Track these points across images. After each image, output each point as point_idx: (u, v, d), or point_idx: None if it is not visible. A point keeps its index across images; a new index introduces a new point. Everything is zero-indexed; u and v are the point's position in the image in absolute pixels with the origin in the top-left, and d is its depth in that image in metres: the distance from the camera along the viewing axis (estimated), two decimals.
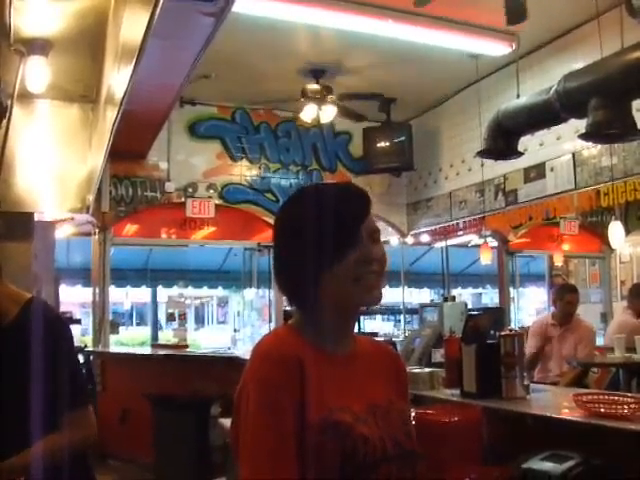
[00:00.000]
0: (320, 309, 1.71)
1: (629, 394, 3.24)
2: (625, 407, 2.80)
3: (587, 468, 2.59)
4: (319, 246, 1.66)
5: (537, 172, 8.07)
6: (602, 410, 2.83)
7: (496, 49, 7.74)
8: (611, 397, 2.97)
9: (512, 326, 6.89)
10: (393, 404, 1.78)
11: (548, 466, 2.57)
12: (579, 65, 6.01)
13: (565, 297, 7.12)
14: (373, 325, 16.76)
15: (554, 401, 3.57)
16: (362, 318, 15.07)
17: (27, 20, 4.11)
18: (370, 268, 1.69)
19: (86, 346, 9.38)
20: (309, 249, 1.67)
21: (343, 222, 1.68)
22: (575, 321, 7.08)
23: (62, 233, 8.69)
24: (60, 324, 2.54)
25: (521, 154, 6.79)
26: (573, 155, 7.61)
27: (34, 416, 2.27)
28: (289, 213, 1.78)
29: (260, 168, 9.93)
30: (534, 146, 7.79)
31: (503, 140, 6.65)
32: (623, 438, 2.67)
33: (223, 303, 23.38)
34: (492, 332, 3.63)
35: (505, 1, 5.69)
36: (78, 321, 10.40)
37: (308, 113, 8.72)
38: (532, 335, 7.06)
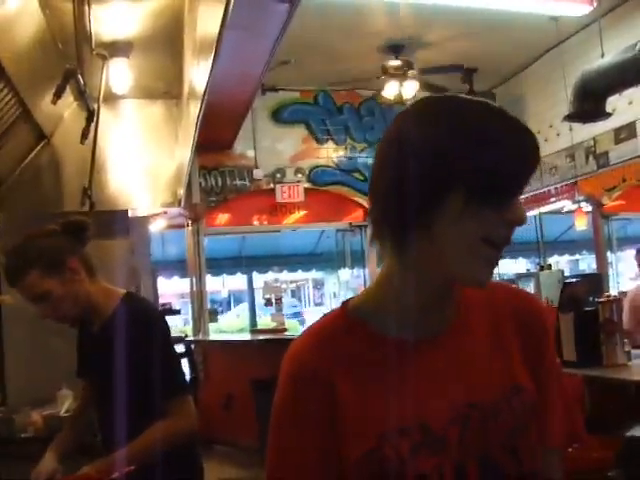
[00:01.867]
0: (419, 264, 1.21)
1: None
2: None
3: None
4: (461, 172, 1.14)
5: (628, 132, 7.86)
6: None
7: (576, 9, 7.56)
8: None
9: (611, 292, 6.68)
10: (515, 390, 1.25)
11: None
12: None
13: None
14: None
15: None
16: None
17: (106, 24, 4.19)
18: (510, 233, 1.19)
19: (187, 335, 9.57)
20: (446, 172, 1.14)
21: (523, 164, 1.19)
22: None
23: (156, 227, 8.87)
24: (155, 316, 2.62)
25: (610, 115, 6.65)
26: None
27: (135, 406, 2.35)
28: (421, 121, 1.21)
29: (346, 149, 9.94)
30: (623, 105, 7.59)
31: (590, 102, 6.52)
32: None
33: (319, 285, 23.49)
34: (590, 299, 3.58)
35: None
36: (178, 311, 10.59)
37: (390, 90, 8.69)
38: (625, 312, 5.98)
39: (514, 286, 1.49)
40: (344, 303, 1.32)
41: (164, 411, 2.41)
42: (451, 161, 1.14)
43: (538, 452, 1.26)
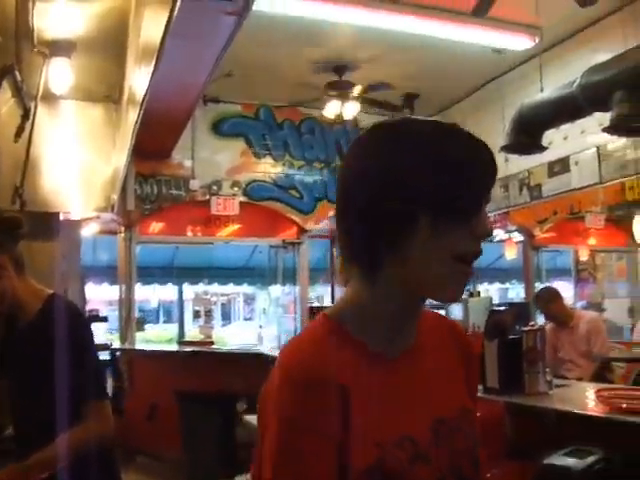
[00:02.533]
0: (387, 289, 1.26)
1: None
2: None
3: (609, 464, 2.59)
4: (425, 198, 1.19)
5: (561, 166, 8.02)
6: (624, 405, 2.83)
7: (519, 43, 7.70)
8: (633, 392, 2.96)
9: (537, 321, 6.81)
10: (465, 411, 1.35)
11: (570, 462, 2.57)
12: (602, 58, 5.96)
13: (543, 309, 6.91)
14: None
15: (576, 396, 3.57)
16: None
17: (50, 22, 4.15)
18: (478, 246, 1.24)
19: (112, 344, 9.45)
20: (410, 199, 1.19)
21: (482, 178, 1.24)
22: (576, 317, 6.78)
23: (89, 232, 8.76)
24: (80, 319, 2.63)
25: (545, 148, 6.76)
26: (597, 149, 7.56)
27: (55, 410, 2.32)
28: (381, 150, 1.25)
29: (284, 165, 9.95)
30: (558, 140, 7.74)
31: (527, 134, 6.62)
32: None
33: (250, 300, 23.41)
34: (517, 327, 3.63)
35: None
36: (105, 319, 10.45)
37: (331, 109, 8.73)
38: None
39: (456, 321, 1.56)
40: (324, 314, 1.32)
41: (81, 414, 2.39)
42: (415, 189, 1.20)
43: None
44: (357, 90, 8.54)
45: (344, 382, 1.19)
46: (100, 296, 14.74)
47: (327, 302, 13.15)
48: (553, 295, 6.94)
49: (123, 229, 9.11)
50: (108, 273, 11.29)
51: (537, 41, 7.52)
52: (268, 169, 9.85)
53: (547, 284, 10.35)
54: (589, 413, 2.92)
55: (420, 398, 1.28)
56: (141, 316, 11.54)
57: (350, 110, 8.75)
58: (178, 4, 2.79)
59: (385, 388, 1.25)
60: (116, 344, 9.30)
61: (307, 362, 1.21)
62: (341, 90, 8.60)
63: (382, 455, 1.18)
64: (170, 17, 2.96)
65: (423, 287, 1.26)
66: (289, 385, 1.19)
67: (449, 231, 1.21)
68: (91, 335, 2.61)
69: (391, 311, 1.27)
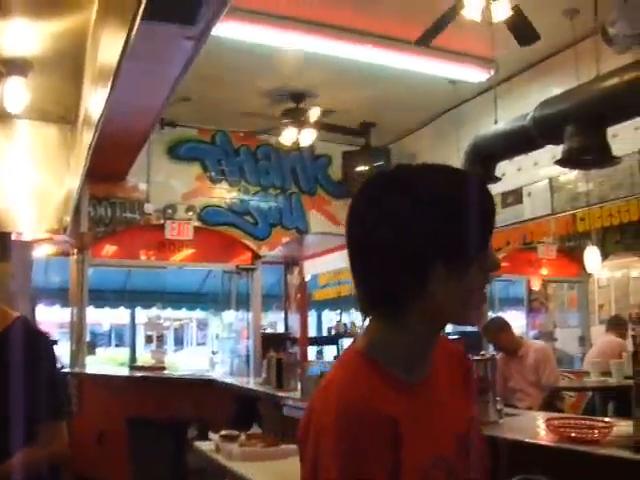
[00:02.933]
0: (412, 323, 1.36)
1: (599, 418, 3.25)
2: (596, 431, 2.82)
3: None
4: (442, 244, 1.31)
5: (514, 197, 8.13)
6: (573, 434, 2.85)
7: (475, 75, 7.82)
8: (582, 422, 2.99)
9: (489, 350, 6.85)
10: (473, 421, 1.49)
11: None
12: (556, 91, 6.09)
13: (492, 339, 6.98)
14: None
15: (526, 425, 3.58)
16: (341, 341, 15.10)
17: (6, 40, 4.11)
18: (488, 279, 1.38)
19: (63, 367, 9.32)
20: (429, 246, 1.31)
21: (482, 218, 1.35)
22: (525, 347, 6.79)
23: (41, 253, 8.67)
24: (44, 340, 2.61)
25: (498, 179, 6.85)
26: (550, 180, 7.68)
27: (13, 429, 2.32)
28: (397, 200, 1.34)
29: (239, 191, 9.94)
30: (511, 171, 7.85)
31: (480, 165, 6.70)
32: (593, 462, 2.69)
33: (202, 325, 23.29)
34: (469, 357, 3.65)
35: (512, 24, 5.71)
36: (55, 342, 10.32)
37: (287, 136, 8.76)
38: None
39: (455, 343, 1.69)
40: (356, 350, 1.43)
41: (41, 435, 2.40)
42: (430, 238, 1.31)
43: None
44: (314, 117, 8.58)
45: (393, 414, 1.29)
46: (51, 318, 14.55)
47: (280, 329, 13.16)
48: (501, 325, 6.98)
49: (76, 251, 9.01)
50: (60, 295, 11.14)
51: (492, 73, 7.64)
52: (223, 194, 9.84)
53: (500, 313, 10.43)
54: (538, 442, 2.94)
55: (442, 418, 1.40)
56: (92, 339, 11.42)
57: (307, 137, 8.78)
58: (136, 26, 2.78)
59: (416, 414, 1.35)
60: (67, 368, 9.17)
61: (363, 398, 1.29)
62: (298, 118, 8.64)
63: (424, 478, 1.30)
64: (127, 39, 2.94)
65: (447, 319, 1.41)
66: (346, 420, 1.26)
67: (464, 270, 1.33)
68: (54, 357, 2.63)
69: (417, 343, 1.40)
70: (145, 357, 12.38)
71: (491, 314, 10.22)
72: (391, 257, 1.33)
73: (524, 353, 6.72)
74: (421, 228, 1.32)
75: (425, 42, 6.39)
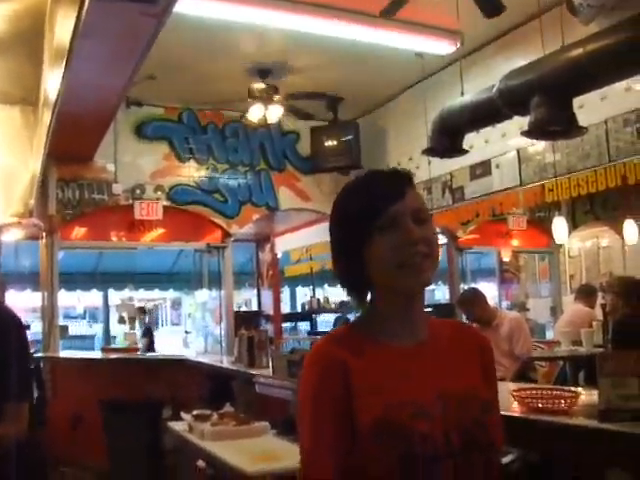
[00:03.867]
0: (375, 298, 1.72)
1: (566, 387, 3.27)
2: (562, 401, 2.84)
3: (525, 463, 2.62)
4: (356, 231, 1.65)
5: (483, 169, 8.13)
6: (540, 405, 2.86)
7: (441, 48, 7.78)
8: (549, 392, 3.00)
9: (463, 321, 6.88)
10: (474, 391, 1.68)
11: None
12: (522, 63, 6.07)
13: (466, 311, 7.03)
14: (329, 323, 16.77)
15: None
16: (315, 317, 15.12)
17: None
18: (414, 250, 1.61)
19: (36, 351, 9.27)
20: (347, 235, 1.69)
21: (373, 204, 1.65)
22: (499, 317, 6.91)
23: (10, 237, 8.59)
24: (14, 323, 2.63)
25: (466, 152, 6.85)
26: (518, 152, 7.69)
27: None
28: (335, 202, 1.77)
29: (208, 169, 9.88)
30: (479, 143, 7.86)
31: (448, 138, 6.70)
32: (560, 432, 2.70)
33: (176, 305, 23.29)
34: None
35: None
36: (27, 326, 10.24)
37: (255, 113, 8.70)
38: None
39: (469, 324, 2.01)
40: (348, 324, 1.81)
41: (8, 413, 2.46)
42: (354, 219, 1.67)
43: (501, 429, 1.71)
44: (278, 98, 8.54)
45: (350, 364, 1.60)
46: (22, 303, 14.46)
47: (254, 307, 13.16)
48: (476, 296, 7.04)
49: (45, 234, 8.94)
50: (31, 279, 11.07)
51: (458, 46, 7.61)
52: (192, 173, 9.77)
53: (472, 285, 10.50)
54: (506, 413, 2.95)
55: (428, 377, 1.64)
56: (66, 323, 11.36)
57: (274, 114, 8.73)
58: (87, 4, 2.74)
59: (393, 366, 1.64)
60: (39, 352, 9.12)
61: (320, 350, 1.67)
62: (265, 94, 8.58)
63: (385, 411, 1.55)
64: (78, 18, 2.90)
65: (393, 289, 1.67)
66: (308, 366, 1.65)
67: (381, 250, 1.63)
68: (26, 340, 2.67)
69: (388, 311, 1.69)
70: (119, 339, 12.37)
71: (463, 286, 10.31)
72: (334, 246, 1.76)
73: (498, 323, 6.77)
74: (335, 225, 1.75)
75: (389, 14, 6.36)
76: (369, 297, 1.75)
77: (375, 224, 1.63)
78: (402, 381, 1.62)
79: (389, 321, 1.69)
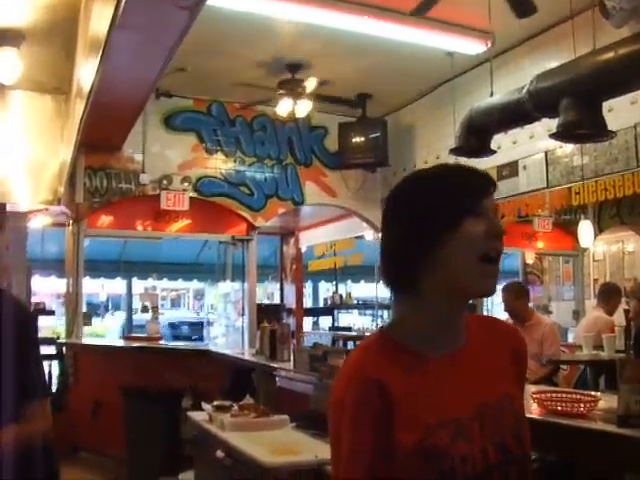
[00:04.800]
0: (429, 299, 1.59)
1: (586, 392, 3.28)
2: (582, 405, 2.85)
3: (542, 465, 2.64)
4: (443, 220, 1.56)
5: (510, 170, 8.11)
6: (559, 408, 2.88)
7: (472, 47, 7.77)
8: (569, 395, 3.01)
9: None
10: (508, 397, 1.63)
11: None
12: (553, 65, 6.06)
13: (509, 302, 7.09)
14: (349, 319, 16.81)
15: None
16: (337, 312, 15.15)
17: None
18: (497, 244, 1.57)
19: (59, 337, 9.36)
20: (429, 225, 1.57)
21: (464, 192, 1.58)
22: (535, 319, 6.99)
23: (37, 223, 8.68)
24: (27, 316, 2.60)
25: (494, 152, 6.84)
26: (546, 154, 7.67)
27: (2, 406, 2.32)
28: (406, 193, 1.66)
29: (235, 161, 9.92)
30: (507, 144, 7.84)
31: (476, 138, 6.69)
32: (578, 436, 2.72)
33: (199, 295, 23.40)
34: None
35: None
36: (52, 312, 10.37)
37: (283, 107, 8.73)
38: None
39: (511, 325, 1.90)
40: (381, 330, 1.68)
41: (26, 411, 2.40)
42: (435, 210, 1.57)
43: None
44: (310, 87, 8.54)
45: (384, 379, 1.51)
46: (47, 289, 14.59)
47: (277, 300, 13.21)
48: (521, 291, 7.16)
49: (71, 222, 9.02)
50: (56, 266, 11.18)
51: (489, 46, 7.60)
52: (219, 165, 9.82)
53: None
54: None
55: (466, 386, 1.58)
56: (90, 310, 11.45)
57: (303, 108, 8.75)
58: None
59: (431, 381, 1.56)
60: (63, 338, 9.21)
61: (357, 367, 1.59)
62: (295, 89, 8.61)
63: (427, 433, 1.49)
64: (116, 9, 2.94)
65: (461, 287, 1.58)
66: (346, 382, 1.56)
67: (470, 237, 1.54)
68: (36, 332, 2.63)
69: (436, 316, 1.60)
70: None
71: None
72: (400, 236, 1.61)
73: (533, 324, 6.83)
74: (409, 217, 1.60)
75: (420, 13, 6.36)
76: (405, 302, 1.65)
77: (471, 209, 1.55)
78: (441, 397, 1.55)
79: (430, 329, 1.61)
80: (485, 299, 10.47)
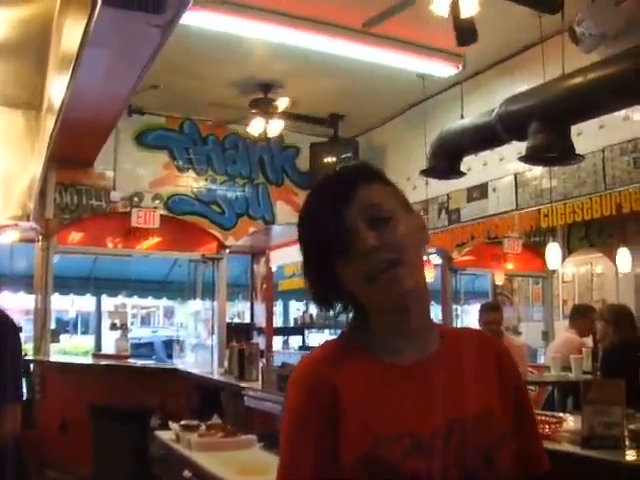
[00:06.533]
0: (364, 311, 1.50)
1: (551, 413, 3.30)
2: (547, 426, 2.87)
3: None
4: (318, 253, 1.45)
5: (480, 192, 8.18)
6: None
7: (443, 70, 7.83)
8: (538, 417, 3.02)
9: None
10: (487, 416, 1.44)
11: None
12: (522, 88, 6.14)
13: (483, 316, 7.18)
14: (319, 339, 16.75)
15: None
16: (307, 332, 15.13)
17: None
18: (376, 259, 1.39)
19: (26, 354, 9.27)
20: (310, 250, 1.49)
21: (324, 220, 1.44)
22: (505, 340, 7.01)
23: (6, 239, 8.60)
24: (9, 324, 2.64)
25: (463, 174, 6.89)
26: (515, 176, 7.73)
27: None
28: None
29: (207, 180, 9.91)
30: (477, 166, 7.90)
31: (446, 160, 6.75)
32: None
33: (169, 313, 23.27)
34: None
35: (454, 23, 5.74)
36: (19, 329, 10.25)
37: (255, 126, 8.74)
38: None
39: (491, 337, 1.70)
40: (342, 333, 1.56)
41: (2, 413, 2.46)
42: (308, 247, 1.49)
43: (514, 466, 1.43)
44: (282, 107, 8.57)
45: (339, 385, 1.40)
46: (16, 305, 14.44)
47: (247, 318, 13.18)
48: (499, 307, 7.57)
49: (41, 238, 8.96)
50: (25, 282, 11.07)
51: (460, 68, 7.67)
52: (190, 183, 9.80)
53: (465, 307, 10.55)
54: None
55: (431, 400, 1.42)
56: (57, 327, 11.34)
57: (274, 128, 8.77)
58: (96, 13, 2.78)
59: (391, 390, 1.42)
60: (30, 355, 9.12)
61: (307, 369, 1.46)
62: (267, 108, 8.63)
63: (375, 446, 1.34)
64: (88, 26, 2.95)
65: (363, 299, 1.46)
66: (293, 386, 1.45)
67: (350, 262, 1.42)
68: (17, 340, 2.68)
69: (384, 325, 1.47)
70: (109, 345, 12.35)
71: (456, 307, 10.35)
72: (305, 263, 1.52)
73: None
74: (301, 237, 1.51)
75: (371, 25, 6.38)
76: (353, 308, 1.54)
77: (328, 248, 1.43)
78: (399, 407, 1.41)
79: (384, 335, 1.47)
80: (457, 316, 10.54)
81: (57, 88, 4.17)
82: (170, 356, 12.36)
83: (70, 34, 3.46)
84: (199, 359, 10.18)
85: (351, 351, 1.48)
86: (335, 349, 1.51)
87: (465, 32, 5.86)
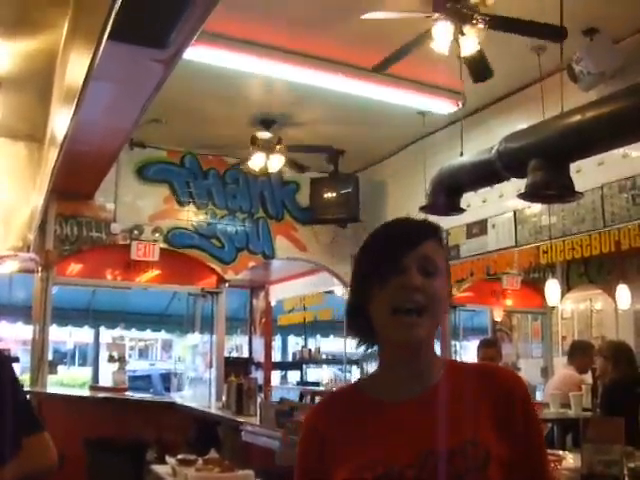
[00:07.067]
0: (381, 349, 1.68)
1: (551, 451, 3.28)
2: None
3: None
4: (367, 276, 1.64)
5: (479, 228, 8.20)
6: None
7: (443, 107, 7.89)
8: None
9: None
10: (474, 445, 1.49)
11: None
12: (522, 126, 6.17)
13: (480, 352, 7.19)
14: (318, 374, 16.73)
15: None
16: (305, 367, 15.10)
17: None
18: (409, 296, 1.56)
19: (23, 385, 9.21)
20: (359, 279, 1.69)
21: (386, 250, 1.63)
22: None
23: (5, 269, 8.60)
24: (4, 357, 2.63)
25: (463, 211, 6.91)
26: (514, 213, 7.76)
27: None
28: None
29: (207, 214, 9.94)
30: (477, 203, 7.92)
31: (446, 196, 6.77)
32: None
33: (167, 346, 23.22)
34: None
35: (467, 61, 5.80)
36: (16, 359, 10.23)
37: (256, 161, 8.77)
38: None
39: (498, 367, 1.86)
40: (354, 381, 1.83)
41: (25, 447, 2.39)
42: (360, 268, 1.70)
43: None
44: (281, 148, 8.62)
45: (328, 433, 1.62)
46: (14, 335, 14.42)
47: (245, 352, 13.15)
48: (493, 342, 7.81)
49: (40, 269, 8.96)
50: (23, 312, 11.07)
51: (460, 106, 7.72)
52: (190, 217, 9.83)
53: (464, 343, 10.53)
54: None
55: (413, 434, 1.54)
56: (55, 358, 11.31)
57: (275, 163, 8.80)
58: (102, 48, 2.81)
59: (381, 428, 1.58)
60: (27, 386, 9.08)
61: (311, 416, 1.74)
62: (268, 144, 8.66)
63: (351, 473, 1.51)
64: (93, 60, 2.97)
65: (386, 340, 1.64)
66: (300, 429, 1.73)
67: (387, 292, 1.58)
68: (13, 371, 2.66)
69: (389, 365, 1.66)
70: (107, 377, 12.31)
71: (455, 343, 10.33)
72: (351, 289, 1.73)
73: None
74: (355, 269, 1.73)
75: (382, 69, 6.43)
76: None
77: (385, 269, 1.60)
78: (381, 439, 1.56)
79: (393, 374, 1.64)
80: (455, 352, 10.51)
81: (60, 121, 4.20)
82: (167, 389, 12.31)
83: (74, 68, 3.48)
84: (197, 393, 10.14)
85: (350, 394, 1.72)
86: (338, 394, 1.83)
87: (479, 68, 5.92)
